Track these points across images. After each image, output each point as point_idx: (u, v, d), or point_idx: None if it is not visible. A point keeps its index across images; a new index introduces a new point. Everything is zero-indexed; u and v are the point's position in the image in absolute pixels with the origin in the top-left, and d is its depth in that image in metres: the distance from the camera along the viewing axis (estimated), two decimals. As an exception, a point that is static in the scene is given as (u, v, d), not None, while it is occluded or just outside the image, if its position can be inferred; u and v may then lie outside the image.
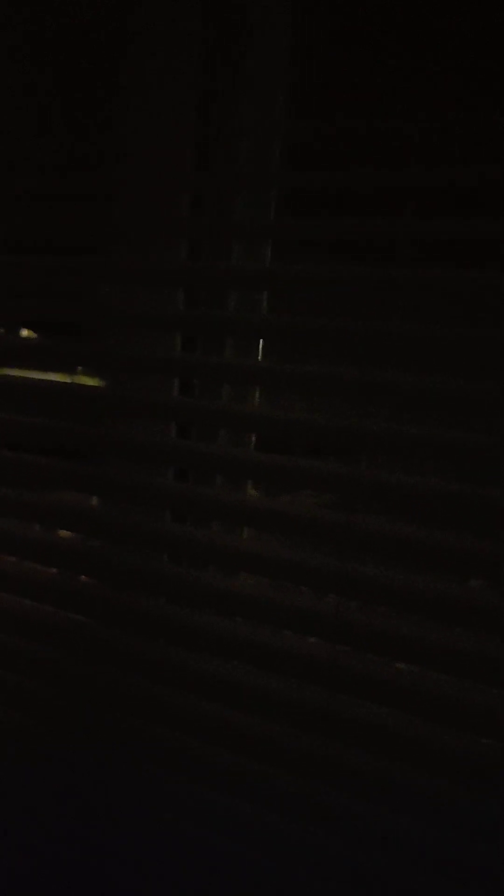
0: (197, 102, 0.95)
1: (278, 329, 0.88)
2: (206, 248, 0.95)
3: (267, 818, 0.88)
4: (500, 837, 0.77)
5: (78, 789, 0.98)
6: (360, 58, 0.87)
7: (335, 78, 0.88)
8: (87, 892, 0.96)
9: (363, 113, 0.83)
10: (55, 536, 1.07)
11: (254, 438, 0.96)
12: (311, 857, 0.86)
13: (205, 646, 0.92)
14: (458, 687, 0.80)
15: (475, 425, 0.78)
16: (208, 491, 0.94)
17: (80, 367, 1.06)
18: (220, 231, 0.94)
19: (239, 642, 0.89)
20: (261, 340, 0.94)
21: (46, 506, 1.02)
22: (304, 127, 0.88)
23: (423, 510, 0.80)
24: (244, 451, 0.94)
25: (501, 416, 0.76)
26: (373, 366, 0.82)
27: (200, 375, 0.96)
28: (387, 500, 0.82)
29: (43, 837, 0.99)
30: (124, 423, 0.97)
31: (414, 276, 0.80)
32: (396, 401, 0.81)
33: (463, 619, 0.79)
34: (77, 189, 0.99)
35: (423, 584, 0.80)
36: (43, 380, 1.03)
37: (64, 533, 1.06)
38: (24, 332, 1.11)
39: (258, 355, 0.94)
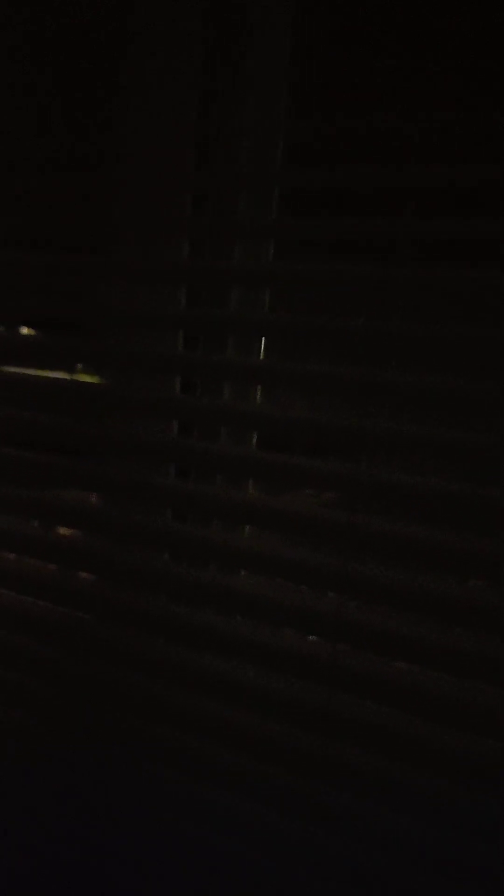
0: (198, 102, 0.95)
1: (279, 328, 0.88)
2: (207, 246, 0.95)
3: (267, 818, 0.89)
4: (500, 837, 0.77)
5: (78, 789, 0.98)
6: (360, 57, 0.87)
7: (335, 77, 0.88)
8: (88, 892, 0.96)
9: (363, 112, 0.83)
10: (56, 534, 1.07)
11: (255, 437, 0.96)
12: (312, 856, 0.86)
13: (205, 644, 0.92)
14: (458, 686, 0.80)
15: (475, 425, 0.78)
16: (209, 489, 0.94)
17: (80, 366, 1.06)
18: (222, 230, 0.94)
19: (239, 641, 0.90)
20: (262, 339, 0.94)
21: (48, 503, 1.02)
22: (304, 126, 0.88)
23: (424, 510, 0.80)
24: (245, 450, 0.94)
25: (501, 416, 0.76)
26: (373, 365, 0.82)
27: (202, 374, 0.96)
28: (387, 499, 0.82)
29: (43, 837, 0.99)
30: (126, 421, 0.97)
31: (415, 275, 0.80)
32: (397, 400, 0.81)
33: (463, 619, 0.79)
34: (79, 188, 0.99)
35: (423, 583, 0.81)
36: (45, 377, 1.03)
37: (65, 531, 1.06)
38: (24, 331, 1.11)
39: (259, 354, 0.94)
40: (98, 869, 0.96)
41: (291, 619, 0.87)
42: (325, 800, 0.85)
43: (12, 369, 1.04)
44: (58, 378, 1.03)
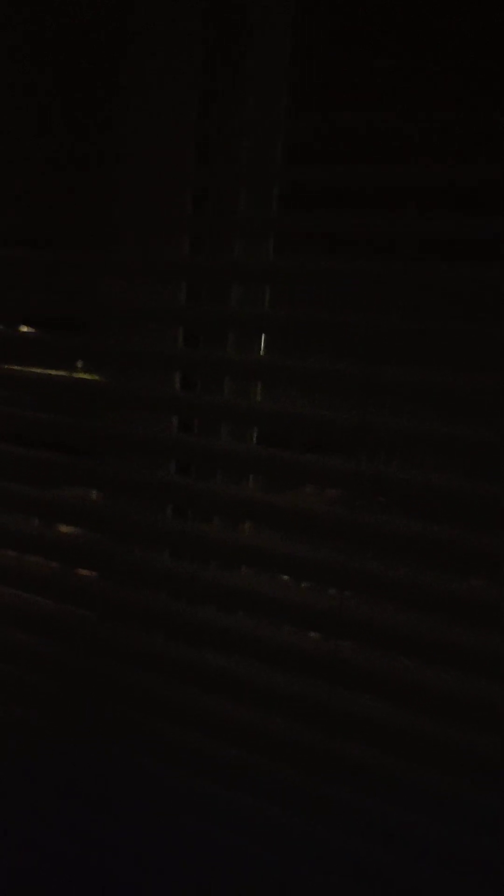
0: (198, 101, 0.95)
1: (280, 324, 0.89)
2: (208, 243, 0.95)
3: (268, 812, 0.89)
4: (502, 831, 0.77)
5: (78, 783, 0.98)
6: (360, 57, 0.87)
7: (335, 77, 0.89)
8: (88, 886, 0.96)
9: (363, 111, 0.84)
10: (57, 532, 1.07)
11: (255, 433, 0.96)
12: (313, 851, 0.86)
13: (206, 640, 0.92)
14: (459, 682, 0.80)
15: (478, 421, 0.78)
16: (210, 486, 0.94)
17: (80, 363, 1.06)
18: (222, 227, 0.94)
19: (240, 637, 0.90)
20: (262, 335, 0.94)
21: (49, 501, 1.02)
22: (304, 125, 0.89)
23: (424, 506, 0.81)
24: (246, 446, 0.95)
25: (502, 413, 0.77)
26: (374, 361, 0.82)
27: (202, 370, 0.96)
28: (388, 495, 0.82)
29: (44, 831, 0.99)
30: (126, 418, 0.97)
31: (416, 271, 0.80)
32: (398, 396, 0.82)
33: (464, 615, 0.80)
34: (80, 187, 0.99)
35: (425, 579, 0.81)
36: (46, 374, 1.03)
37: (66, 528, 1.06)
38: (24, 329, 1.11)
39: (260, 350, 0.95)
40: (99, 864, 0.96)
41: (292, 616, 0.88)
42: (327, 794, 0.86)
43: (13, 367, 1.04)
44: (58, 375, 1.03)
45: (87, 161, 1.01)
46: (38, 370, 1.03)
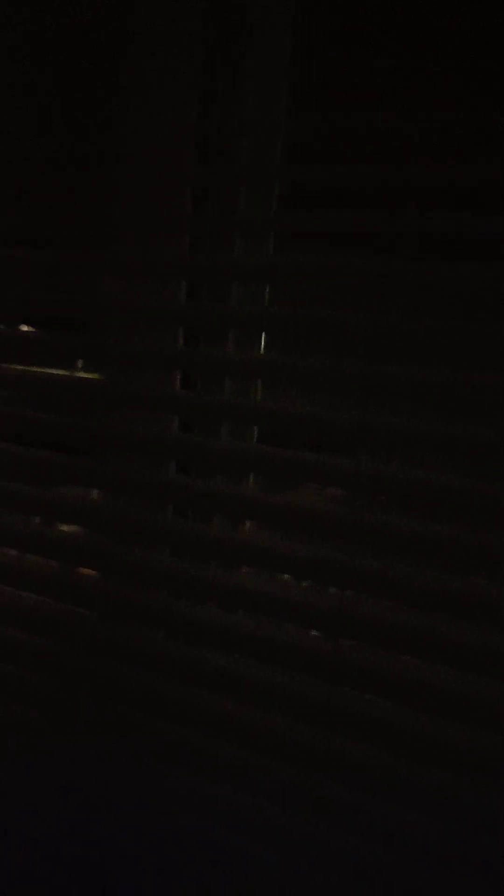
0: (198, 100, 0.95)
1: (280, 323, 0.89)
2: (208, 243, 0.96)
3: (268, 812, 0.89)
4: (502, 831, 0.77)
5: (79, 783, 0.98)
6: (359, 57, 0.87)
7: (335, 77, 0.89)
8: (88, 886, 0.96)
9: (363, 111, 0.84)
10: (58, 531, 1.08)
11: (256, 433, 0.96)
12: (313, 850, 0.86)
13: (206, 639, 0.92)
14: (460, 680, 0.80)
15: (478, 421, 0.78)
16: (210, 485, 0.94)
17: (80, 362, 1.06)
18: (222, 226, 0.94)
19: (240, 636, 0.90)
20: (262, 335, 0.94)
21: (50, 500, 1.02)
22: (304, 124, 0.89)
23: (425, 505, 0.81)
24: (246, 445, 0.95)
25: (502, 412, 0.77)
26: (375, 360, 0.82)
27: (202, 369, 0.96)
28: (388, 494, 0.82)
29: (44, 831, 0.99)
30: (127, 417, 0.97)
31: (415, 270, 0.80)
32: (398, 395, 0.82)
33: (464, 613, 0.80)
34: (80, 187, 0.99)
35: (426, 578, 0.81)
36: (47, 374, 1.03)
37: (67, 527, 1.06)
38: (24, 328, 1.11)
39: (260, 349, 0.95)
40: (99, 863, 0.96)
41: (293, 615, 0.88)
42: (327, 793, 0.86)
43: (15, 367, 1.04)
44: (59, 375, 1.03)
45: (87, 161, 1.01)
46: (39, 370, 1.03)
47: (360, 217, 0.83)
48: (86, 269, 0.99)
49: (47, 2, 1.08)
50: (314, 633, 0.89)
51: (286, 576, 0.93)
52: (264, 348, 0.94)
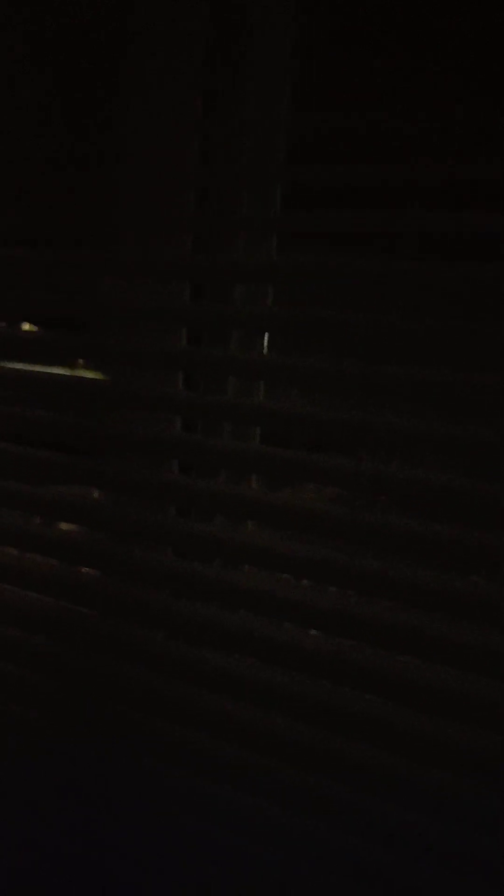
0: (201, 99, 0.95)
1: (283, 323, 0.89)
2: (211, 242, 0.95)
3: (268, 812, 0.89)
4: (502, 831, 0.77)
5: (78, 783, 0.98)
6: (362, 56, 0.87)
7: (337, 75, 0.89)
8: (88, 886, 0.96)
9: (365, 110, 0.84)
10: (61, 530, 1.08)
11: (258, 432, 0.96)
12: (313, 851, 0.86)
13: (207, 639, 0.92)
14: (460, 680, 0.80)
15: (481, 420, 0.78)
16: (213, 485, 0.94)
17: (82, 362, 1.06)
18: (225, 226, 0.94)
19: (241, 635, 0.90)
20: (265, 334, 0.94)
21: (54, 501, 1.02)
22: (306, 124, 0.89)
23: (425, 504, 0.81)
24: (249, 445, 0.95)
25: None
26: (378, 360, 0.82)
27: (205, 369, 0.96)
28: (390, 494, 0.82)
29: (44, 831, 0.99)
30: (130, 417, 0.97)
31: (420, 269, 0.80)
32: (402, 395, 0.82)
33: (464, 613, 0.80)
34: (83, 188, 1.00)
35: (426, 577, 0.81)
36: (50, 373, 1.03)
37: (70, 527, 1.06)
38: (26, 326, 1.11)
39: (263, 349, 0.95)
40: (99, 863, 0.96)
41: (293, 614, 0.88)
42: (327, 793, 0.85)
43: (18, 366, 1.05)
44: (62, 375, 1.03)
45: (89, 161, 1.02)
46: (42, 370, 1.04)
47: (362, 217, 0.83)
48: (89, 270, 1.00)
49: (47, 2, 1.08)
50: (314, 632, 0.89)
51: (286, 575, 0.93)
52: (267, 348, 0.94)
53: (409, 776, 0.82)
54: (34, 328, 1.11)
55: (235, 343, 0.95)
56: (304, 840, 0.86)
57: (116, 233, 0.97)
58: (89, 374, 1.06)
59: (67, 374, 1.05)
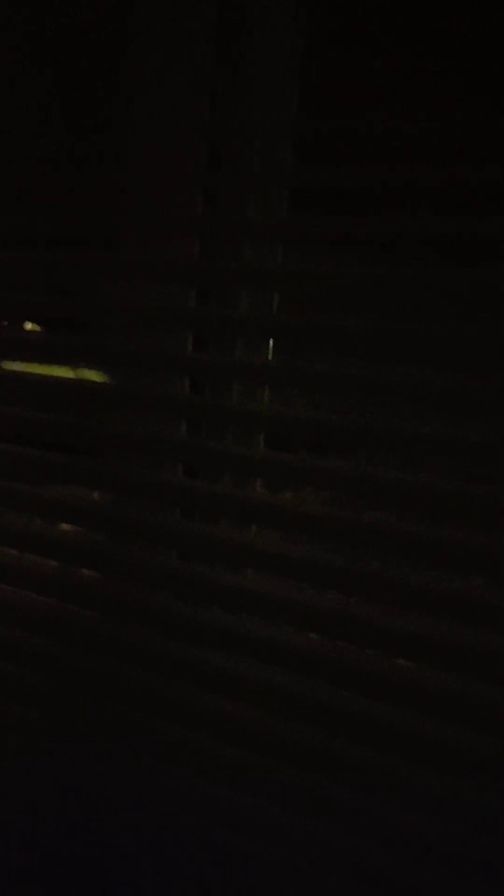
0: (207, 103, 0.95)
1: (289, 327, 0.89)
2: (217, 246, 0.96)
3: (268, 812, 0.89)
4: (502, 831, 0.77)
5: (78, 783, 0.98)
6: (371, 56, 0.87)
7: (347, 77, 0.88)
8: (88, 886, 0.96)
9: (376, 110, 0.84)
10: (65, 532, 1.08)
11: (262, 436, 0.96)
12: (313, 851, 0.86)
13: (207, 640, 0.92)
14: (460, 682, 0.81)
15: (482, 423, 0.79)
16: (217, 488, 0.95)
17: (87, 365, 1.06)
18: (232, 229, 0.94)
19: (241, 637, 0.90)
20: (271, 339, 0.95)
21: (60, 503, 1.03)
22: (315, 126, 0.89)
23: (427, 507, 0.81)
24: (253, 449, 0.95)
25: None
26: (382, 364, 0.83)
27: (211, 373, 0.96)
28: (396, 498, 0.82)
29: (44, 831, 0.99)
30: (135, 419, 0.97)
31: (426, 274, 0.80)
32: (405, 398, 0.82)
33: (465, 616, 0.80)
34: (91, 190, 0.99)
35: (427, 580, 0.81)
36: (58, 377, 1.03)
37: (74, 528, 1.06)
38: (28, 326, 1.11)
39: (268, 353, 0.95)
40: (99, 863, 0.96)
41: (294, 616, 0.88)
42: (327, 794, 0.86)
43: (25, 367, 1.05)
44: (68, 377, 1.04)
45: (95, 164, 1.01)
46: (47, 369, 1.04)
47: (369, 222, 0.83)
48: (96, 272, 1.00)
49: (47, 1, 1.08)
50: (313, 635, 0.89)
51: (288, 577, 0.93)
52: (272, 352, 0.94)
53: (408, 776, 0.82)
54: (37, 328, 1.11)
55: (241, 347, 0.95)
56: (304, 840, 0.87)
57: (126, 236, 0.97)
58: (94, 376, 1.06)
59: (71, 374, 1.05)
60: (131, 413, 0.97)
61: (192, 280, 0.97)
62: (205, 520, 0.97)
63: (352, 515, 0.85)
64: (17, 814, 1.01)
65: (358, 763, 0.84)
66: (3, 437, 1.05)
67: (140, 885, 0.94)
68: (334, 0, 0.91)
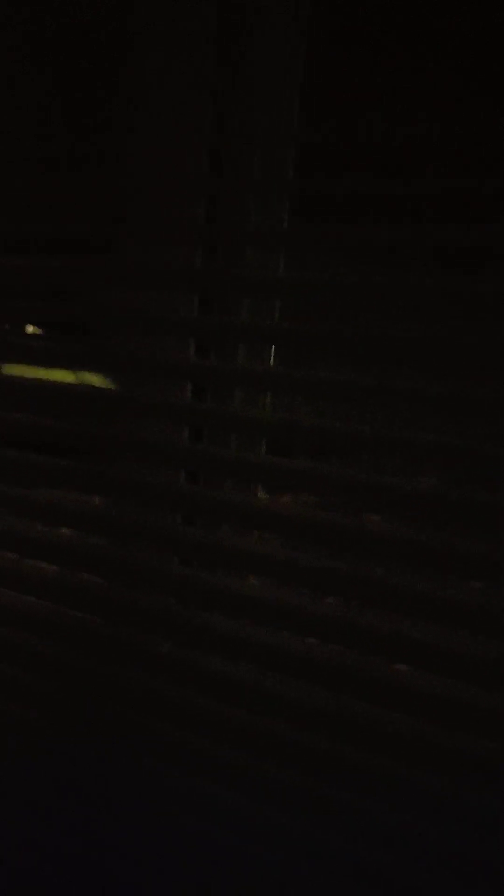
0: (209, 102, 0.95)
1: (290, 334, 0.89)
2: (220, 253, 0.96)
3: (268, 813, 0.90)
4: (502, 831, 0.78)
5: (78, 783, 0.98)
6: (372, 56, 0.87)
7: (347, 75, 0.88)
8: (88, 886, 0.97)
9: (377, 111, 0.84)
10: (69, 536, 1.08)
11: (264, 442, 0.97)
12: (313, 851, 0.87)
13: (207, 643, 0.93)
14: (459, 688, 0.81)
15: (484, 430, 0.79)
16: (219, 494, 0.95)
17: (90, 371, 1.06)
18: (235, 237, 0.94)
19: (242, 640, 0.91)
20: (272, 345, 0.95)
21: (60, 506, 1.03)
22: (318, 134, 0.89)
23: (432, 514, 0.81)
24: (255, 455, 0.96)
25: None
26: (385, 371, 0.83)
27: (213, 380, 0.97)
28: (397, 504, 0.83)
29: (44, 831, 1.00)
30: (138, 425, 0.97)
31: (428, 282, 0.81)
32: (410, 405, 0.82)
33: (465, 622, 0.81)
34: (92, 195, 0.99)
35: (427, 586, 0.82)
36: (60, 382, 1.03)
37: (76, 533, 1.07)
38: (30, 329, 1.11)
39: (270, 360, 0.96)
40: (99, 863, 0.97)
41: (294, 620, 0.89)
42: (327, 795, 0.86)
43: (28, 372, 1.05)
44: (71, 384, 1.04)
45: (97, 166, 1.01)
46: (47, 373, 1.04)
47: (373, 231, 0.83)
48: (100, 278, 0.99)
49: (48, 1, 1.08)
50: (311, 640, 0.89)
51: (289, 583, 0.93)
52: (274, 359, 0.95)
53: (408, 778, 0.83)
54: (38, 331, 1.11)
55: (243, 354, 0.96)
56: (304, 841, 0.87)
57: (126, 241, 0.97)
58: (96, 381, 1.06)
59: (76, 383, 1.05)
60: (134, 418, 0.98)
61: (195, 286, 0.97)
62: (206, 525, 0.98)
63: (353, 521, 0.85)
64: (17, 814, 1.01)
65: (357, 764, 0.85)
66: (5, 441, 1.05)
67: (140, 885, 0.95)
68: (341, 4, 0.91)
